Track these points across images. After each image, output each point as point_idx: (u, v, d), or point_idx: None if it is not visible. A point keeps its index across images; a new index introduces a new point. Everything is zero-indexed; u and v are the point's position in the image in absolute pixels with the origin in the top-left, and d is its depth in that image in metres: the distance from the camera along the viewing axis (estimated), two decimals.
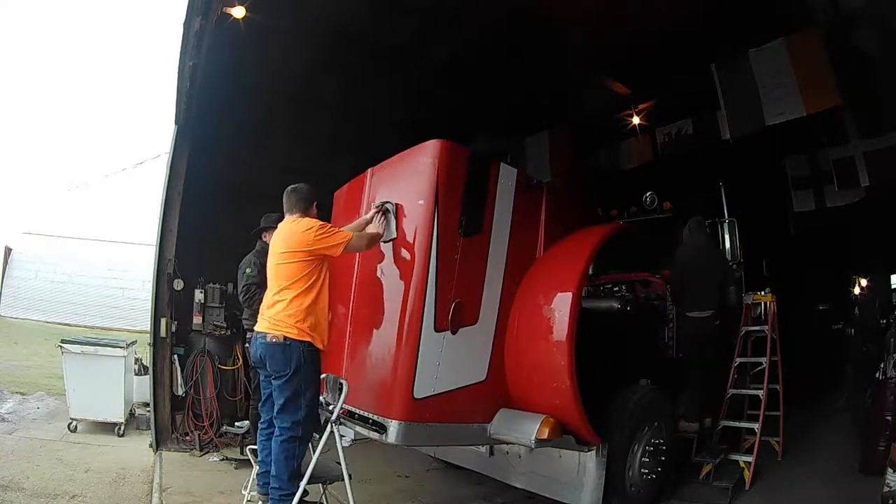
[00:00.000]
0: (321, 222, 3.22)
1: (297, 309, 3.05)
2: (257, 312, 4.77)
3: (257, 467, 3.77)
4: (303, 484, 3.02)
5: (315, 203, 3.35)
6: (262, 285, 4.75)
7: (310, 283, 3.09)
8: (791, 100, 5.27)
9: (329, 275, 3.22)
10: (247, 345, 5.12)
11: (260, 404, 3.39)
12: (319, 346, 3.14)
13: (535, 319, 3.56)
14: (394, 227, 3.40)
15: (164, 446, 5.45)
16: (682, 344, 4.94)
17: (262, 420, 3.34)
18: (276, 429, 3.08)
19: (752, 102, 5.50)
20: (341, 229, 3.26)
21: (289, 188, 3.35)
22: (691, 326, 4.83)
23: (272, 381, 3.12)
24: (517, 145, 8.00)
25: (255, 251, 5.02)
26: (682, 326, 4.93)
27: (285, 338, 3.03)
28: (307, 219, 3.22)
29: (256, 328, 3.21)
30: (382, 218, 3.41)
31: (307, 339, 3.06)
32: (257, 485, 3.35)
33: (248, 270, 4.88)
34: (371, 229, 3.39)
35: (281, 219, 4.93)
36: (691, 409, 4.66)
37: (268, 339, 3.06)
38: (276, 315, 3.08)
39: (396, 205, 3.42)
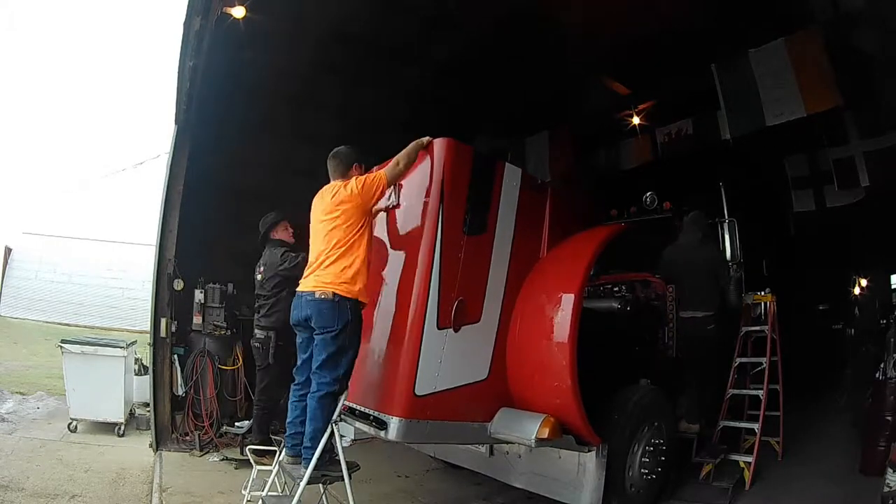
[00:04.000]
0: (357, 177, 3.31)
1: (345, 267, 3.16)
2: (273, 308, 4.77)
3: (256, 468, 3.81)
4: (326, 435, 3.09)
5: (354, 164, 3.45)
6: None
7: (353, 241, 3.19)
8: (791, 100, 5.27)
9: (372, 228, 3.37)
10: (256, 344, 5.08)
11: (294, 369, 3.46)
12: (364, 300, 3.26)
13: (537, 319, 3.56)
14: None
15: (164, 446, 5.44)
16: (678, 344, 4.93)
17: (295, 382, 3.43)
18: (315, 384, 3.17)
19: (752, 102, 5.50)
20: (376, 173, 3.34)
21: (331, 153, 3.47)
22: (684, 326, 4.83)
23: (315, 337, 3.20)
24: (517, 145, 8.00)
25: (277, 246, 4.99)
26: (678, 327, 4.93)
27: (335, 294, 3.12)
28: (349, 181, 3.30)
29: (302, 288, 3.28)
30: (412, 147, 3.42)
31: (355, 296, 3.17)
32: (287, 447, 3.41)
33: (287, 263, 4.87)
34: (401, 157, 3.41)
35: (278, 218, 5.00)
36: (689, 411, 4.66)
37: (316, 296, 3.14)
38: (324, 274, 3.18)
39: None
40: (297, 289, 3.35)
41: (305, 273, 3.35)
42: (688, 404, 4.68)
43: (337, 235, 3.20)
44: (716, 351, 4.84)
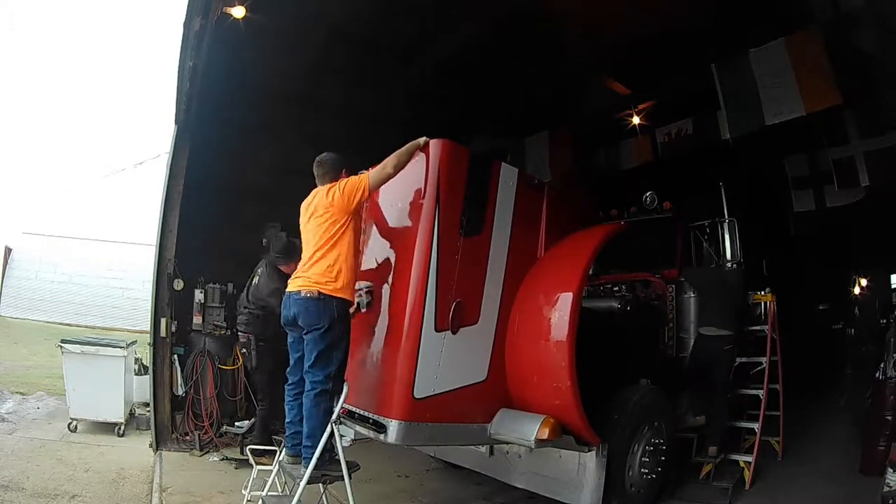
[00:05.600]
0: (341, 180, 3.34)
1: (328, 266, 3.20)
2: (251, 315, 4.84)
3: (256, 468, 3.81)
4: (326, 435, 3.10)
5: (343, 171, 3.47)
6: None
7: (336, 240, 3.22)
8: (791, 99, 5.26)
9: (356, 228, 3.38)
10: (242, 350, 5.13)
11: (288, 370, 3.49)
12: (350, 298, 3.30)
13: (536, 320, 3.56)
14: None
15: (164, 446, 5.44)
16: (694, 363, 4.83)
17: (289, 382, 3.46)
18: (308, 383, 3.20)
19: (752, 102, 5.50)
20: (360, 175, 3.35)
21: (316, 159, 3.49)
22: (701, 343, 4.76)
23: (305, 337, 3.23)
24: (517, 145, 8.00)
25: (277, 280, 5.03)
26: (695, 345, 4.86)
27: (320, 293, 3.16)
28: (333, 185, 3.34)
29: (289, 288, 3.32)
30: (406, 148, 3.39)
31: (340, 295, 3.20)
32: (286, 447, 3.43)
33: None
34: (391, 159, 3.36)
35: (291, 258, 5.02)
36: (711, 437, 4.63)
37: (302, 295, 3.19)
38: (309, 274, 3.23)
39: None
40: (286, 289, 3.38)
41: (295, 274, 3.38)
42: (712, 430, 4.64)
43: (321, 237, 3.24)
44: (729, 372, 4.79)
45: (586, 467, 3.65)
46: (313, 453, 3.07)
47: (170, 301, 5.76)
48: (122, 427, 6.08)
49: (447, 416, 3.30)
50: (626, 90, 7.10)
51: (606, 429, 3.66)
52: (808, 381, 6.64)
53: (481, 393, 3.47)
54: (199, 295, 6.03)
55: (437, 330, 3.22)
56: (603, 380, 3.76)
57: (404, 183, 3.50)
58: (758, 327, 5.12)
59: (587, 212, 5.20)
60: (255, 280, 5.18)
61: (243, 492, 3.77)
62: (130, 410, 6.43)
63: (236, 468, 4.90)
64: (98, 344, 6.24)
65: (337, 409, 3.15)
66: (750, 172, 7.33)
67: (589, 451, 3.62)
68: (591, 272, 4.10)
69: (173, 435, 5.62)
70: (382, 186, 3.73)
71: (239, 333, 5.15)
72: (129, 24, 27.96)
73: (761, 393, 4.78)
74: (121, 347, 6.19)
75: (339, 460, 3.10)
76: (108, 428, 6.06)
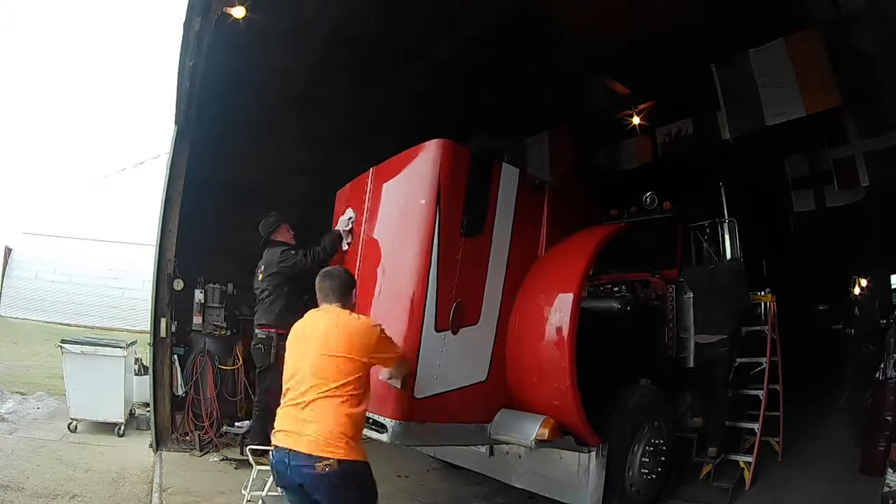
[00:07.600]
0: (381, 326, 2.66)
1: (349, 420, 2.44)
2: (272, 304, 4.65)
3: (256, 468, 3.80)
4: None
5: (353, 291, 2.81)
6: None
7: (361, 390, 2.52)
8: (791, 100, 5.27)
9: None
10: (258, 346, 4.90)
11: None
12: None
13: (536, 320, 3.56)
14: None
15: (164, 446, 5.44)
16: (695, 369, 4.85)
17: None
18: None
19: (752, 102, 5.50)
20: (393, 342, 2.78)
21: (322, 273, 2.80)
22: (699, 352, 4.78)
23: None
24: (517, 145, 8.00)
25: (277, 246, 4.82)
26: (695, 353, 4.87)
27: (339, 462, 2.36)
28: (365, 318, 2.74)
29: (286, 444, 2.43)
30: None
31: (360, 457, 2.50)
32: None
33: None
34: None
35: (280, 221, 4.89)
36: (712, 437, 4.64)
37: (317, 470, 2.33)
38: (322, 427, 2.39)
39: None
40: (282, 442, 2.48)
41: (287, 413, 2.53)
42: (712, 430, 4.66)
43: (340, 377, 2.46)
44: (728, 373, 4.81)
45: (586, 467, 3.65)
46: None
47: (170, 301, 5.76)
48: (122, 427, 6.08)
49: (447, 416, 3.30)
50: (626, 90, 7.11)
51: (606, 429, 3.66)
52: (808, 382, 6.63)
53: (481, 393, 3.47)
54: (199, 295, 6.03)
55: (437, 330, 3.22)
56: (603, 380, 3.76)
57: (405, 183, 3.50)
58: (758, 327, 5.12)
59: (588, 212, 5.19)
60: (260, 269, 5.05)
61: (243, 492, 3.77)
62: (130, 410, 6.42)
63: (236, 468, 4.90)
64: (98, 344, 6.24)
65: None
66: (750, 172, 7.33)
67: (589, 451, 3.62)
68: (590, 272, 4.09)
69: (173, 435, 5.62)
70: (384, 186, 3.75)
71: (256, 330, 4.89)
72: (129, 24, 27.98)
73: (761, 393, 4.78)
74: (121, 347, 6.19)
75: None
76: (108, 428, 6.06)
